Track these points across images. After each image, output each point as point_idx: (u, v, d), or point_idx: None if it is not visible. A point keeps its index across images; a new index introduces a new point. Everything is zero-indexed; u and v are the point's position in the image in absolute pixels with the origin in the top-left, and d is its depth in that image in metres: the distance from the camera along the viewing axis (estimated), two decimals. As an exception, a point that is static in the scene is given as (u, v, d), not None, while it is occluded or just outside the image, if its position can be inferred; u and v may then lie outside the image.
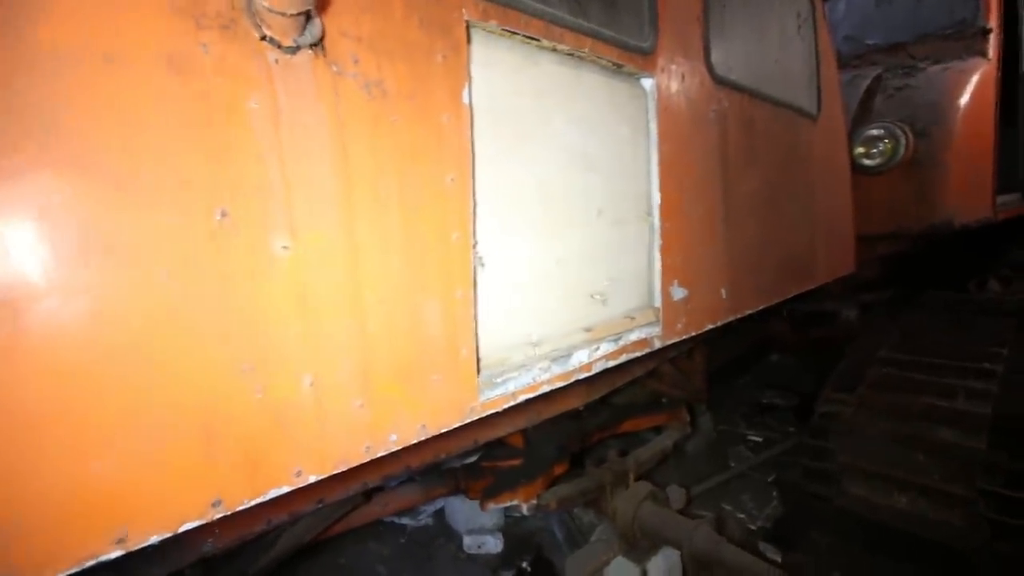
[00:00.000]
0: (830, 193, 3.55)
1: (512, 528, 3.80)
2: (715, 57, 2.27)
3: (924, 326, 4.23)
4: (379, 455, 1.19)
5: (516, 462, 2.61)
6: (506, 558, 3.63)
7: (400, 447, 1.22)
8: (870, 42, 5.04)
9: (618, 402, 3.29)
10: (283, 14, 0.94)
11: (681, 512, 2.84)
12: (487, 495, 2.40)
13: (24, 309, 0.77)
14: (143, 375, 0.88)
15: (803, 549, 3.46)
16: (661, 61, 1.97)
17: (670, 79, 2.01)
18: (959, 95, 4.24)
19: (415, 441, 1.25)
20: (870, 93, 4.43)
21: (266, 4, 0.91)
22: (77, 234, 0.81)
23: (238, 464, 0.98)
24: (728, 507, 4.18)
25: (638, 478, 3.01)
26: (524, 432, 2.59)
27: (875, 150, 4.15)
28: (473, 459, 2.47)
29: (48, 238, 0.79)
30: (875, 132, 4.15)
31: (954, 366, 3.44)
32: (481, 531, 3.79)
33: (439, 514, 3.97)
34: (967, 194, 4.23)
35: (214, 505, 0.96)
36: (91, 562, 0.83)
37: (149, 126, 0.87)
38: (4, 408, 0.76)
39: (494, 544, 3.72)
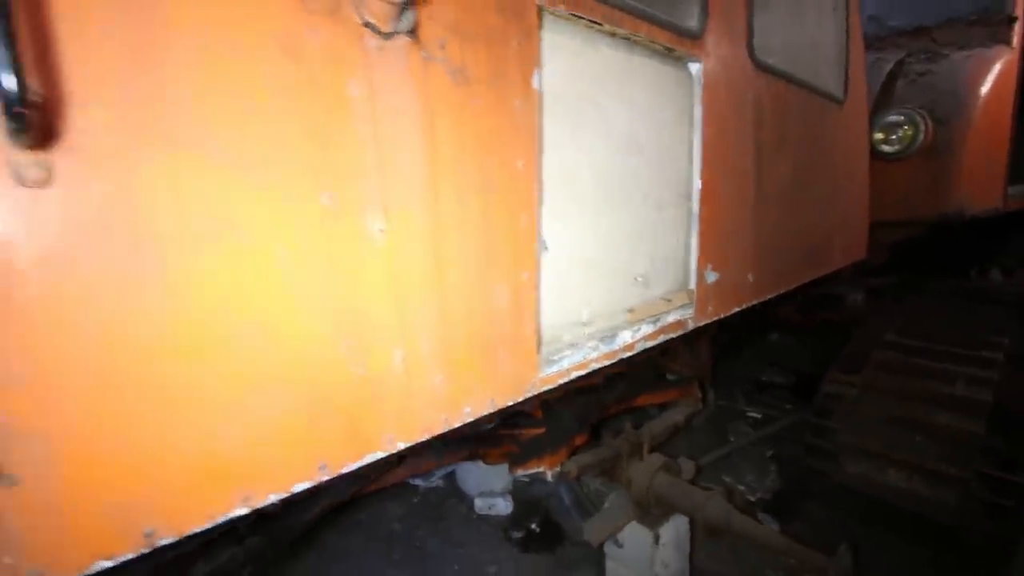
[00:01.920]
0: (849, 178, 3.59)
1: (521, 492, 3.97)
2: (756, 41, 2.28)
3: (928, 312, 4.35)
4: (455, 426, 1.27)
5: (538, 431, 2.72)
6: (515, 520, 3.80)
7: (472, 419, 1.31)
8: (894, 24, 4.99)
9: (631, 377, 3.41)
10: (389, 1, 0.96)
11: (691, 483, 2.99)
12: (514, 461, 2.52)
13: (160, 295, 0.83)
14: (262, 350, 0.94)
15: (801, 520, 3.65)
16: (708, 45, 1.98)
17: (716, 64, 2.03)
18: (981, 84, 4.24)
19: (485, 414, 1.33)
20: (892, 77, 4.42)
21: (375, -7, 0.94)
22: (205, 218, 0.86)
23: (340, 431, 1.06)
24: (729, 479, 4.36)
25: (652, 450, 3.15)
26: (545, 403, 2.70)
27: (894, 136, 4.17)
28: (489, 427, 2.58)
29: (177, 221, 0.84)
30: (896, 118, 4.16)
31: (956, 353, 3.56)
32: (491, 494, 3.96)
33: (450, 476, 4.14)
34: (980, 184, 4.29)
35: (320, 468, 1.04)
36: (223, 518, 0.92)
37: (265, 111, 0.91)
38: (153, 382, 0.82)
39: (504, 506, 3.89)
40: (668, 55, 1.86)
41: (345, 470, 1.07)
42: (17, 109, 0.61)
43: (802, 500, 3.96)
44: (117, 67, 0.76)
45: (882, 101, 4.32)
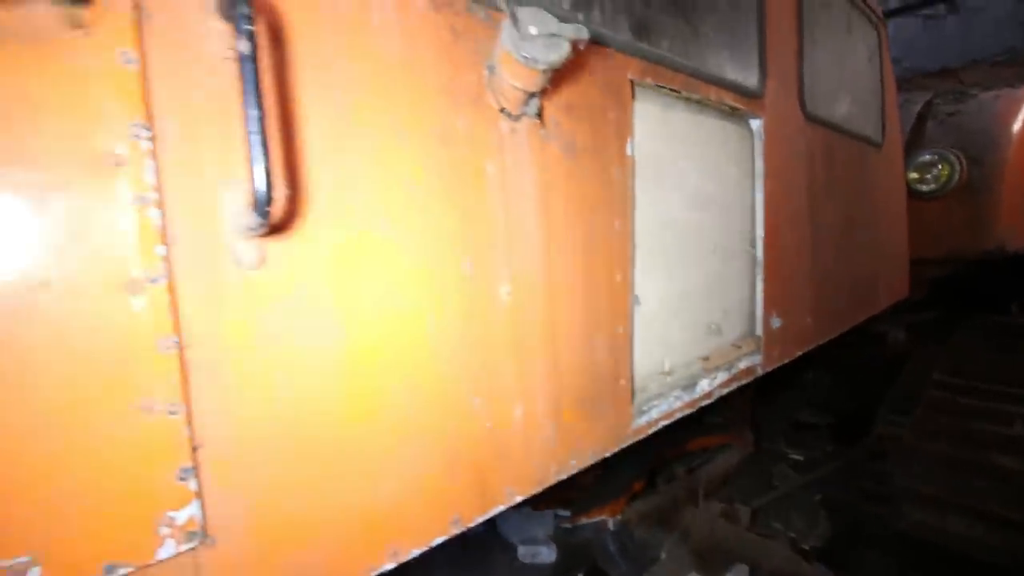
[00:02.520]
0: (890, 219, 3.64)
1: (563, 539, 3.90)
2: (806, 94, 2.39)
3: (973, 349, 4.29)
4: (562, 477, 1.31)
5: (589, 479, 2.71)
6: (560, 568, 3.72)
7: (576, 471, 1.34)
8: (916, 65, 5.13)
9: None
10: (525, 91, 1.07)
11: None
12: (577, 509, 2.51)
13: (337, 363, 0.90)
14: (411, 409, 1.01)
15: (857, 569, 3.53)
16: (767, 102, 2.09)
17: (774, 119, 2.13)
18: (1011, 122, 4.31)
19: (587, 464, 1.37)
20: (922, 118, 4.51)
21: (515, 83, 1.04)
22: (375, 288, 0.94)
23: (471, 485, 1.11)
24: (779, 526, 4.24)
25: (706, 496, 3.11)
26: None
27: (929, 176, 4.23)
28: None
29: (353, 295, 0.92)
30: (929, 158, 4.23)
31: (1008, 392, 3.50)
32: (534, 541, 3.89)
33: (490, 522, 4.07)
34: (1020, 220, 4.30)
35: (453, 523, 1.08)
36: (372, 573, 0.96)
37: (425, 191, 1.01)
38: (327, 449, 0.89)
39: (548, 554, 3.82)
40: (732, 114, 1.97)
41: (472, 524, 1.11)
42: (265, 209, 0.70)
43: (857, 547, 3.82)
44: (319, 166, 0.86)
45: (913, 141, 4.40)
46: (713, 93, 1.81)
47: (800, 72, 2.34)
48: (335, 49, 0.88)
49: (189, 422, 0.75)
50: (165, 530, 0.73)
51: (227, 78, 0.77)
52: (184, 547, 0.75)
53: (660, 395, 1.65)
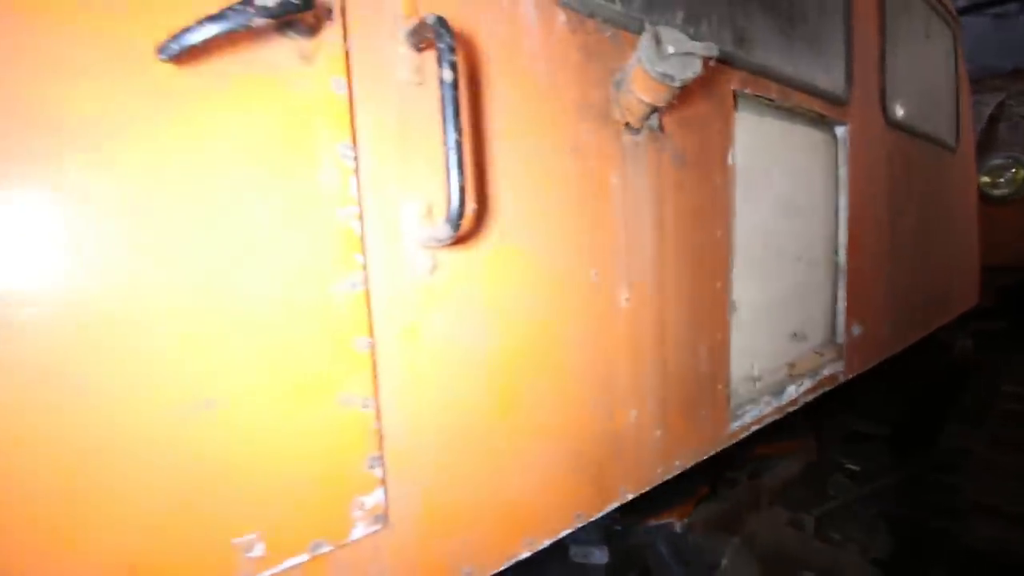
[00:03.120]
0: (962, 224, 3.52)
1: (616, 541, 3.90)
2: (887, 99, 2.35)
3: (1048, 360, 4.10)
4: (666, 478, 1.34)
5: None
6: (613, 570, 3.72)
7: (679, 471, 1.38)
8: (986, 65, 4.93)
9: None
10: (652, 106, 1.11)
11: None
12: (645, 512, 2.52)
13: (494, 362, 0.97)
14: (545, 409, 1.06)
15: (924, 584, 3.41)
16: (853, 109, 2.07)
17: (858, 125, 2.11)
18: (1090, 124, 4.10)
19: (689, 466, 1.40)
20: (994, 120, 4.34)
21: (645, 98, 1.09)
22: (522, 296, 1.00)
23: (591, 483, 1.15)
24: (838, 536, 4.14)
25: (770, 503, 3.08)
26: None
27: (1002, 179, 4.07)
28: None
29: (511, 299, 0.98)
30: (1002, 161, 4.07)
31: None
32: (586, 542, 3.91)
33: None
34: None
35: (576, 517, 1.13)
36: (511, 560, 1.02)
37: (561, 202, 1.06)
38: (484, 445, 0.95)
39: (600, 556, 3.82)
40: (820, 121, 1.96)
41: (592, 519, 1.16)
42: (457, 222, 0.77)
43: (922, 562, 3.70)
44: (483, 182, 0.93)
45: (986, 144, 4.24)
46: (803, 100, 1.81)
47: (882, 77, 2.31)
48: (495, 74, 0.94)
49: (378, 415, 0.82)
50: (357, 513, 0.81)
51: (410, 101, 0.84)
52: (370, 529, 0.82)
53: (751, 400, 1.66)
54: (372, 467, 0.82)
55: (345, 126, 0.77)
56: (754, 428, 1.64)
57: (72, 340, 0.60)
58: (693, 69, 1.03)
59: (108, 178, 0.61)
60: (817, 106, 1.89)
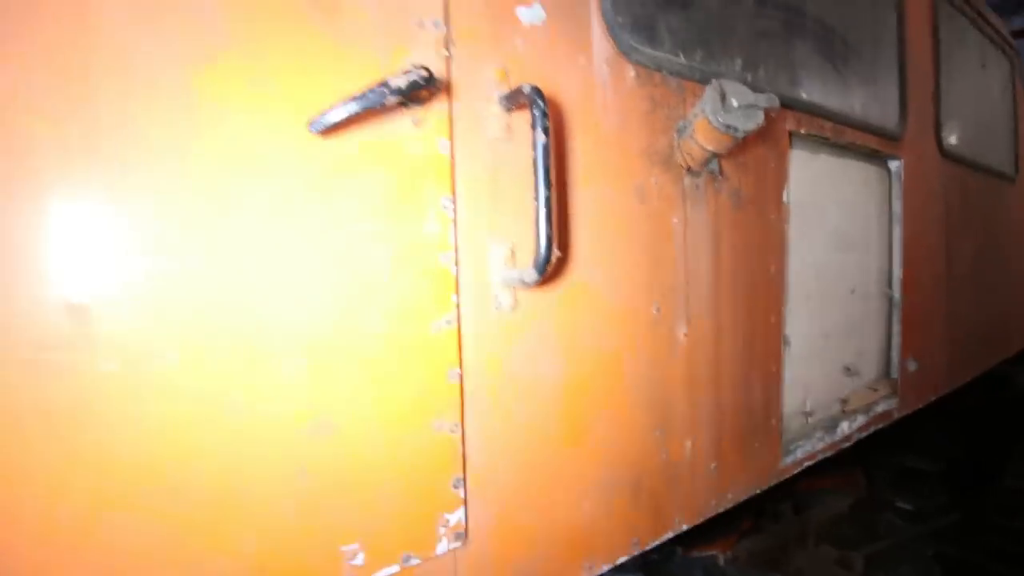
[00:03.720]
0: (1022, 255, 3.39)
1: (652, 571, 3.84)
2: (942, 132, 2.33)
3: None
4: (719, 511, 1.37)
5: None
6: (648, 600, 3.66)
7: (732, 505, 1.40)
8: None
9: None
10: (714, 152, 1.18)
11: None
12: (689, 544, 2.51)
13: (558, 389, 1.04)
14: (609, 440, 1.12)
15: (982, 636, 3.23)
16: (906, 143, 2.07)
17: (912, 159, 2.11)
18: None
19: (742, 500, 1.42)
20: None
21: (708, 147, 1.15)
22: (588, 330, 1.07)
23: (649, 511, 1.20)
24: (885, 576, 3.95)
25: (817, 540, 2.99)
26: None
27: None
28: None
29: (570, 333, 1.05)
30: (1067, 191, 3.90)
31: None
32: (622, 569, 3.86)
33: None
34: None
35: (633, 544, 1.18)
36: (574, 583, 1.07)
37: (623, 240, 1.13)
38: (550, 469, 1.02)
39: (635, 583, 3.77)
40: (873, 156, 1.97)
41: (647, 547, 1.20)
42: (544, 267, 0.85)
43: (980, 611, 3.50)
44: (560, 227, 1.01)
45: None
46: (857, 137, 1.83)
47: (937, 110, 2.30)
48: (573, 127, 1.03)
49: (463, 439, 0.90)
50: (442, 529, 0.88)
51: (499, 156, 0.94)
52: (453, 545, 0.90)
53: (804, 436, 1.67)
54: (457, 487, 0.89)
55: (447, 181, 0.87)
56: (806, 464, 1.64)
57: (217, 367, 0.70)
58: (756, 121, 1.09)
59: (268, 231, 0.72)
60: (871, 142, 1.90)
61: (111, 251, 0.64)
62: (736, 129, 1.09)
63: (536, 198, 0.84)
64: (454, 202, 0.88)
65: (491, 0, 0.93)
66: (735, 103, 1.09)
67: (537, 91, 0.83)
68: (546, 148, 0.83)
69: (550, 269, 0.86)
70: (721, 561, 2.60)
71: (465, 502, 0.91)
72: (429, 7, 0.85)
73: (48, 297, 0.60)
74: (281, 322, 0.74)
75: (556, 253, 0.86)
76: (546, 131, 0.83)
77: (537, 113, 0.82)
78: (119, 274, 0.64)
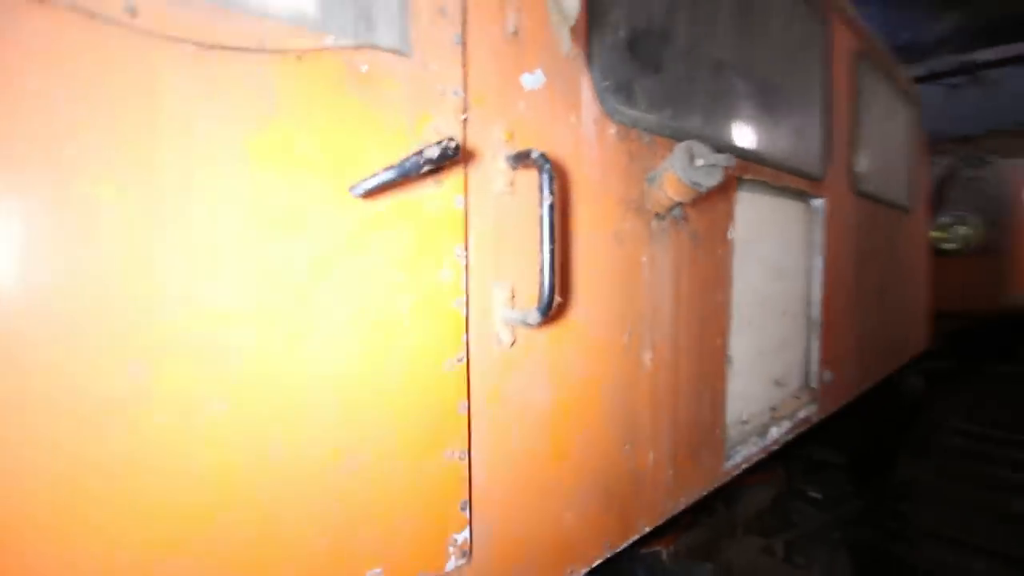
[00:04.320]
0: (915, 277, 3.92)
1: (599, 571, 4.06)
2: (856, 171, 2.68)
3: (988, 397, 4.54)
4: (674, 514, 1.55)
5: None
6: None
7: (684, 508, 1.59)
8: (938, 130, 5.48)
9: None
10: (679, 202, 1.34)
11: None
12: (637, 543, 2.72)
13: (548, 417, 1.16)
14: (588, 455, 1.26)
15: (881, 608, 3.70)
16: (828, 183, 2.38)
17: (832, 197, 2.42)
18: (1025, 190, 4.63)
19: (692, 503, 1.61)
20: (944, 182, 4.83)
21: (675, 198, 1.32)
22: (571, 363, 1.20)
23: (618, 517, 1.35)
24: (801, 561, 4.41)
25: (744, 531, 3.32)
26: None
27: (950, 236, 4.53)
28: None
29: (565, 366, 1.18)
30: (950, 220, 4.54)
31: (1020, 440, 3.73)
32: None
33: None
34: (1034, 280, 4.59)
35: (606, 547, 1.32)
36: (556, 586, 1.20)
37: (603, 280, 1.27)
38: (541, 484, 1.14)
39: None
40: (800, 195, 2.25)
41: (617, 550, 1.35)
42: (547, 310, 0.96)
43: (879, 585, 3.99)
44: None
45: (937, 203, 4.72)
46: (790, 180, 2.09)
47: (852, 154, 2.64)
48: (564, 181, 1.15)
49: (469, 464, 1.00)
50: (451, 549, 0.98)
51: (502, 207, 1.04)
52: (459, 563, 0.99)
53: (741, 442, 1.90)
54: (463, 509, 0.99)
55: (461, 232, 0.96)
56: (743, 467, 1.87)
57: (261, 413, 0.76)
58: (717, 178, 1.27)
59: (309, 283, 0.79)
60: (800, 184, 2.18)
61: (173, 307, 0.68)
62: (700, 185, 1.26)
63: (541, 251, 0.95)
64: (466, 251, 0.98)
65: (500, 69, 1.04)
66: (700, 162, 1.26)
67: (544, 157, 0.95)
68: (552, 208, 0.94)
69: (552, 312, 0.98)
70: (664, 556, 2.84)
71: (470, 522, 1.01)
72: (450, 77, 0.94)
73: (113, 354, 0.65)
74: (318, 369, 0.80)
75: (557, 299, 0.97)
76: (552, 193, 0.94)
77: (545, 177, 0.94)
78: (180, 331, 0.69)
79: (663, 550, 2.81)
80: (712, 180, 1.27)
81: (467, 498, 1.00)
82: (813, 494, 5.50)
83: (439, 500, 0.96)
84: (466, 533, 1.00)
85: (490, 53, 1.02)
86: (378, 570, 0.88)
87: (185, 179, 0.69)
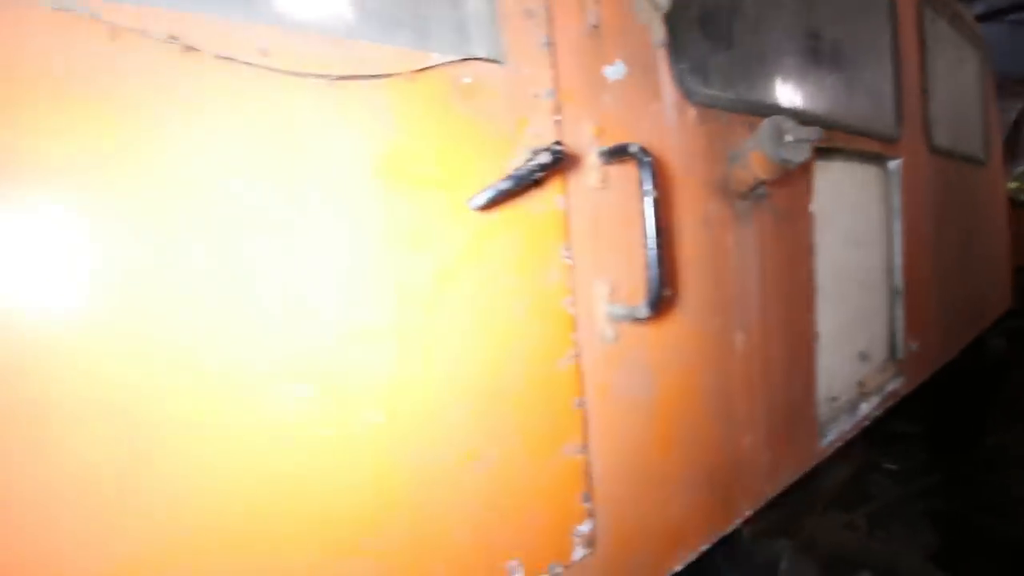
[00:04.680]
0: (994, 233, 3.68)
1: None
2: (929, 129, 2.53)
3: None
4: (772, 496, 1.53)
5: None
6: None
7: (781, 490, 1.56)
8: (1002, 71, 5.08)
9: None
10: (765, 180, 1.31)
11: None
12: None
13: (650, 405, 1.16)
14: (689, 440, 1.26)
15: (970, 582, 3.54)
16: (903, 144, 2.25)
17: (908, 157, 2.29)
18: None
19: (789, 483, 1.59)
20: (1017, 127, 4.49)
21: (761, 176, 1.28)
22: (661, 344, 1.20)
23: (721, 502, 1.35)
24: (885, 535, 4.26)
25: (824, 507, 3.24)
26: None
27: (1029, 185, 4.21)
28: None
29: (653, 346, 1.18)
30: (1028, 167, 4.22)
31: None
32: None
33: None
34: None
35: (711, 533, 1.32)
36: (670, 574, 1.21)
37: (693, 265, 1.26)
38: (639, 474, 1.15)
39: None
40: (876, 159, 2.15)
41: (723, 533, 1.35)
42: (656, 305, 0.97)
43: (971, 559, 3.82)
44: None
45: (1009, 150, 4.39)
46: (864, 144, 2.00)
47: (925, 110, 2.49)
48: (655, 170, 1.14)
49: (587, 458, 1.02)
50: (576, 539, 1.00)
51: (597, 203, 1.05)
52: (584, 552, 1.02)
53: (833, 419, 1.85)
54: (585, 501, 1.01)
55: (563, 232, 0.97)
56: (837, 445, 1.82)
57: (406, 421, 0.80)
58: (805, 154, 1.23)
59: (437, 296, 0.82)
60: (875, 146, 2.08)
61: (332, 329, 0.73)
62: (790, 161, 1.22)
63: (647, 245, 0.95)
64: (570, 250, 0.99)
65: (584, 64, 1.04)
66: (789, 138, 1.22)
67: (644, 151, 0.95)
68: (655, 201, 0.94)
69: (661, 306, 0.98)
70: (745, 535, 2.81)
71: (591, 513, 1.03)
72: (541, 79, 0.95)
73: (281, 377, 0.69)
74: (450, 376, 0.84)
75: (666, 292, 0.97)
76: (655, 186, 0.94)
77: (646, 171, 0.94)
78: (337, 348, 0.73)
79: (743, 529, 2.79)
80: (802, 156, 1.23)
81: (587, 490, 1.02)
82: (889, 466, 5.29)
83: (562, 494, 0.98)
84: (589, 524, 1.02)
85: (574, 49, 1.02)
86: (514, 561, 0.91)
87: (326, 205, 0.73)
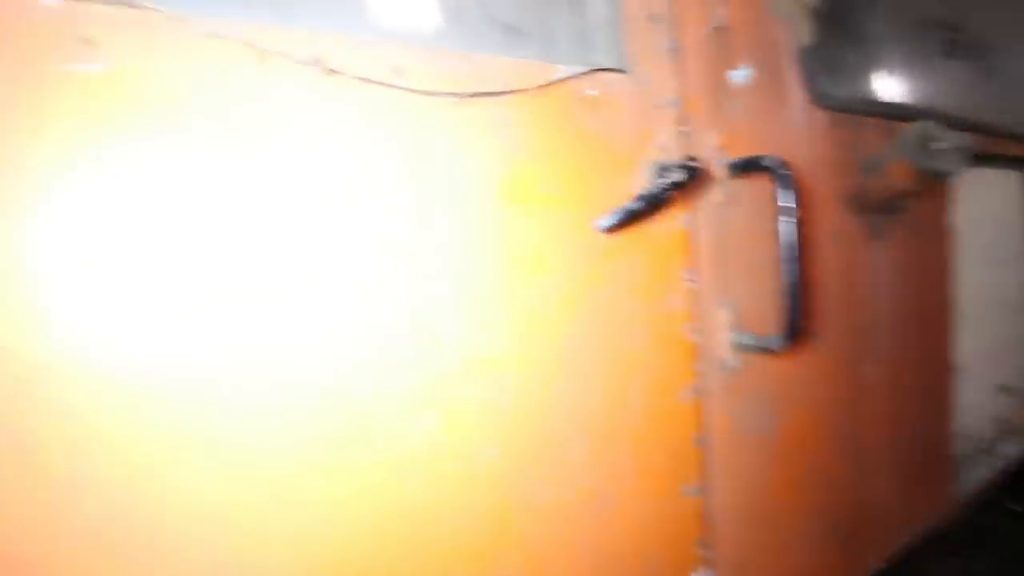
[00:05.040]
0: None
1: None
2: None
3: None
4: (903, 545, 1.35)
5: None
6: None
7: (912, 539, 1.38)
8: None
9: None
10: (906, 190, 1.16)
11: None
12: None
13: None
14: (810, 482, 1.13)
15: None
16: (1054, 145, 1.96)
17: (1060, 162, 1.99)
18: None
19: (917, 535, 1.40)
20: None
21: (903, 187, 1.14)
22: (786, 379, 1.08)
23: (843, 552, 1.20)
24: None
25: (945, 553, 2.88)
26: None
27: None
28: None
29: (775, 378, 1.07)
30: None
31: None
32: None
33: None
34: None
35: (836, 587, 1.18)
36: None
37: (822, 287, 1.13)
38: (765, 519, 1.04)
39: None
40: (1020, 164, 1.87)
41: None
42: (794, 336, 0.86)
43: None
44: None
45: None
46: (1009, 147, 1.75)
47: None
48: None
49: (704, 500, 0.93)
50: (693, 587, 0.92)
51: (721, 220, 0.96)
52: (701, 602, 0.93)
53: (970, 462, 1.62)
54: (702, 547, 0.92)
55: (686, 253, 0.90)
56: (974, 491, 1.59)
57: (515, 451, 0.75)
58: (959, 163, 1.07)
59: (560, 321, 0.77)
60: (1020, 150, 1.81)
61: (457, 362, 0.70)
62: (942, 173, 1.07)
63: (783, 269, 0.86)
64: (693, 272, 0.91)
65: (709, 70, 0.95)
66: (939, 146, 1.07)
67: (783, 164, 0.85)
68: (798, 223, 0.84)
69: (799, 338, 0.88)
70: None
71: (709, 562, 0.94)
72: (666, 88, 0.88)
73: (410, 412, 0.67)
74: (570, 409, 0.78)
75: (803, 322, 0.87)
76: (796, 205, 0.84)
77: (784, 186, 0.84)
78: (462, 381, 0.70)
79: None
80: (956, 166, 1.07)
81: (704, 536, 0.93)
82: (1013, 507, 4.66)
83: (679, 538, 0.90)
84: (706, 573, 0.93)
85: (698, 55, 0.94)
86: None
87: (453, 227, 0.70)
